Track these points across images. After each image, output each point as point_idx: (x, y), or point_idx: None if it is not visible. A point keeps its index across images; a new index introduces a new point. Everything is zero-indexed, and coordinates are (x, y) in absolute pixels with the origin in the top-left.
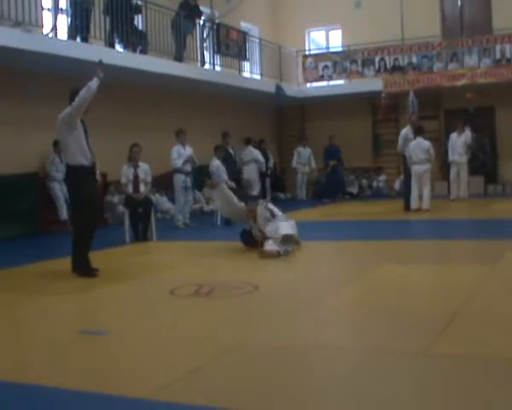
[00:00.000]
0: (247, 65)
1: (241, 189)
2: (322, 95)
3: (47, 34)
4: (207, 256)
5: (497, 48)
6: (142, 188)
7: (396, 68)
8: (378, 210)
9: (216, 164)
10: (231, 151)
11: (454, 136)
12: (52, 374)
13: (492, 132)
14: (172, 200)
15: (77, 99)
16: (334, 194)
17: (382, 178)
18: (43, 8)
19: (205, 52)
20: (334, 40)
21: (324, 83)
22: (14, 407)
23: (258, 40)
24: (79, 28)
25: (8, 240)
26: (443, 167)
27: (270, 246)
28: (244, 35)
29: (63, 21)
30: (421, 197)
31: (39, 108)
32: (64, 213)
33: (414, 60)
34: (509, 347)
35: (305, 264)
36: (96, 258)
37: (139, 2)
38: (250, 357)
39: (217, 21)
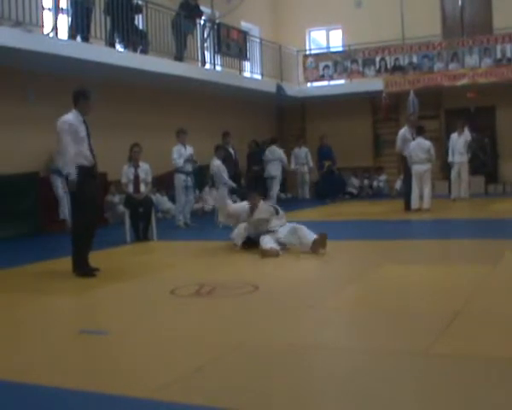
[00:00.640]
0: (247, 65)
1: (241, 189)
2: (323, 95)
3: (47, 34)
4: (208, 256)
5: (498, 47)
6: (142, 188)
7: (396, 68)
8: (378, 210)
9: (216, 164)
10: (232, 151)
11: (454, 136)
12: (52, 374)
13: (493, 132)
14: (173, 200)
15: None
16: (335, 194)
17: (383, 177)
18: (43, 8)
19: (205, 52)
20: (334, 40)
21: (325, 83)
22: (14, 407)
23: (258, 40)
24: (80, 28)
25: (8, 240)
26: (443, 167)
27: (266, 244)
28: (245, 35)
29: (64, 21)
30: (421, 197)
31: (39, 108)
32: (64, 213)
33: (414, 60)
34: (509, 347)
35: (305, 264)
36: (97, 258)
37: (140, 2)
38: (250, 357)
39: (217, 21)
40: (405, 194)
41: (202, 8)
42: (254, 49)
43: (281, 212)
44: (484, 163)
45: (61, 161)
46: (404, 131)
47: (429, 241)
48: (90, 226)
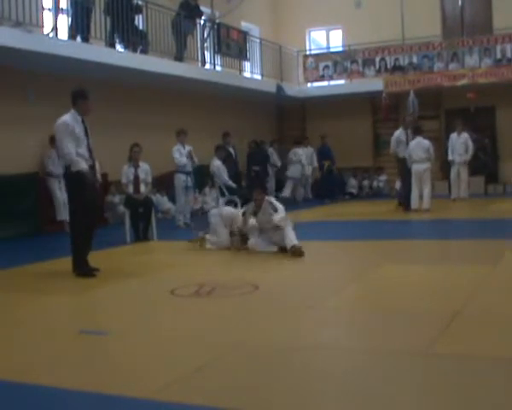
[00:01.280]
0: (247, 65)
1: (241, 189)
2: (323, 95)
3: (47, 34)
4: (208, 256)
5: (498, 48)
6: (142, 188)
7: (396, 68)
8: (378, 210)
9: (216, 164)
10: (232, 151)
11: (454, 136)
12: (52, 374)
13: (493, 132)
14: (173, 200)
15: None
16: (334, 194)
17: (383, 178)
18: (43, 8)
19: (205, 52)
20: (334, 40)
21: (325, 83)
22: (14, 407)
23: (258, 40)
24: (80, 28)
25: (8, 240)
26: (443, 167)
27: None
28: (245, 35)
29: (64, 21)
30: (421, 197)
31: (39, 108)
32: (62, 214)
33: (414, 60)
34: (509, 347)
35: (305, 264)
36: (97, 258)
37: (140, 2)
38: (250, 357)
39: (217, 21)
40: (402, 195)
41: (202, 8)
42: (254, 50)
43: (280, 207)
44: (484, 163)
45: (61, 162)
46: (398, 132)
47: (429, 241)
48: (90, 226)
